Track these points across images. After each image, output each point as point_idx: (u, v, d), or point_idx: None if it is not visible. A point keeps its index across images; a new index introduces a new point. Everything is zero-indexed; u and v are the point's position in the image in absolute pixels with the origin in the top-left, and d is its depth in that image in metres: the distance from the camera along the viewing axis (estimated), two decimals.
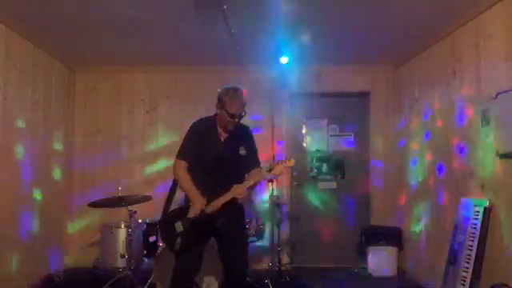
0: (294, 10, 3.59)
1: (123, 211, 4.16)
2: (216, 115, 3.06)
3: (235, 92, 2.97)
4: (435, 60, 4.25)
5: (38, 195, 4.43)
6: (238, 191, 2.88)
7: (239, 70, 5.12)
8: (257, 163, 3.12)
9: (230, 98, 2.93)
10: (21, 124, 4.09)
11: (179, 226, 2.91)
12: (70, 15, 3.71)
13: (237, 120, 2.97)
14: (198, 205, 2.87)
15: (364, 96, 5.50)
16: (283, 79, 5.28)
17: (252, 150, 3.13)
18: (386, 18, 3.78)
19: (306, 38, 4.24)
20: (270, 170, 2.89)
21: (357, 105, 5.56)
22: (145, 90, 5.43)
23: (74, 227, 5.24)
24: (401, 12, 3.63)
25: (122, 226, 4.22)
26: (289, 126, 5.46)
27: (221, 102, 2.96)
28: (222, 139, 3.06)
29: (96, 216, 4.98)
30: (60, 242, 4.95)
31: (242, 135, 3.11)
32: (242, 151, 3.04)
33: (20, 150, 4.08)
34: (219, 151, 3.02)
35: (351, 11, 3.65)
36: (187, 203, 2.98)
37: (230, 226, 2.97)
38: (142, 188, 4.99)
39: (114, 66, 5.33)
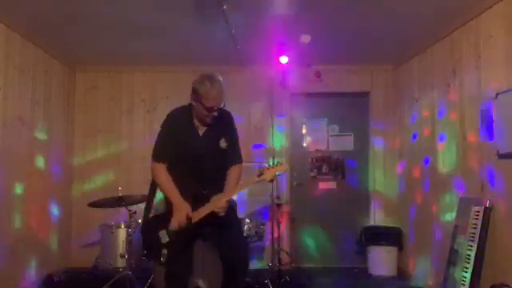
0: (294, 10, 3.59)
1: (123, 211, 4.16)
2: (192, 105, 2.72)
3: (212, 82, 2.60)
4: (435, 60, 4.24)
5: (37, 195, 4.42)
6: (218, 205, 2.57)
7: (239, 70, 5.12)
8: (237, 159, 2.80)
9: (205, 90, 2.58)
10: (21, 124, 4.09)
11: (164, 236, 2.64)
12: (70, 15, 3.71)
13: (214, 114, 2.64)
14: (182, 214, 2.59)
15: (364, 96, 5.50)
16: (283, 79, 5.28)
17: (232, 143, 2.78)
18: (385, 18, 3.78)
19: (305, 38, 4.24)
20: (260, 175, 2.59)
21: (357, 105, 5.56)
22: (145, 90, 5.43)
23: (73, 227, 5.24)
24: (401, 12, 3.63)
25: (122, 226, 4.22)
26: (289, 126, 5.47)
27: (195, 94, 2.63)
28: (200, 133, 2.74)
29: (96, 216, 4.97)
30: (60, 242, 4.95)
31: (222, 124, 2.75)
32: (223, 144, 2.72)
33: (20, 150, 4.08)
34: (197, 147, 2.70)
35: (351, 11, 3.65)
36: (169, 208, 2.70)
37: (221, 229, 2.69)
38: (142, 188, 4.96)
39: (113, 65, 5.33)
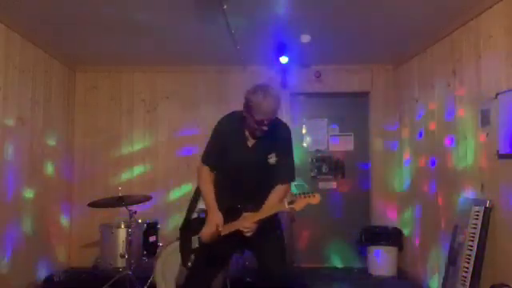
0: (294, 10, 3.59)
1: (123, 211, 4.17)
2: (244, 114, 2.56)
3: (265, 94, 2.43)
4: (435, 60, 4.24)
5: (37, 196, 4.43)
6: (245, 224, 2.44)
7: (239, 70, 5.12)
8: (284, 178, 2.60)
9: (256, 101, 2.40)
10: (21, 124, 4.09)
11: (195, 242, 2.63)
12: (70, 15, 3.71)
13: (264, 128, 2.47)
14: (213, 225, 2.51)
15: (364, 96, 5.50)
16: (283, 79, 5.28)
17: (283, 159, 2.59)
18: (386, 17, 3.78)
19: (305, 38, 4.24)
20: (290, 203, 2.44)
21: (357, 105, 5.56)
22: (145, 90, 5.43)
23: (73, 227, 5.24)
24: (401, 12, 3.63)
25: (122, 226, 4.21)
26: (289, 126, 5.45)
27: (247, 105, 2.46)
28: (250, 144, 2.58)
29: (96, 216, 4.97)
30: (60, 243, 4.95)
31: (275, 137, 2.57)
32: (272, 159, 2.55)
33: (20, 151, 4.08)
34: (243, 159, 2.57)
35: (351, 11, 3.65)
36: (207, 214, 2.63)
37: (255, 241, 2.54)
38: (142, 188, 4.99)
39: (113, 65, 5.33)
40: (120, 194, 4.06)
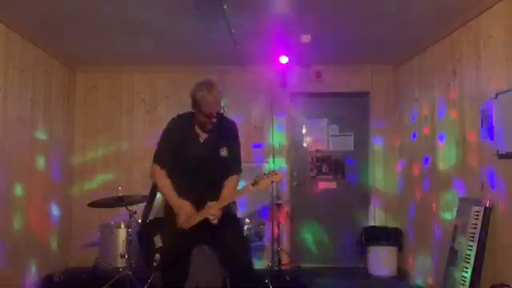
0: (294, 10, 3.59)
1: (123, 211, 4.16)
2: (193, 113, 2.76)
3: (209, 89, 2.64)
4: (435, 60, 4.24)
5: (36, 195, 4.42)
6: (210, 212, 2.60)
7: (239, 70, 5.12)
8: (235, 169, 2.79)
9: (202, 96, 2.62)
10: (21, 124, 4.09)
11: (158, 241, 2.71)
12: (69, 15, 3.71)
13: (214, 120, 2.68)
14: (186, 210, 2.63)
15: (364, 96, 5.50)
16: (283, 79, 5.28)
17: (232, 152, 2.78)
18: (385, 18, 3.78)
19: (305, 38, 4.24)
20: (254, 184, 2.58)
21: (357, 105, 5.56)
22: (145, 90, 5.43)
23: (73, 227, 5.24)
24: (401, 12, 3.63)
25: (122, 226, 4.22)
26: (289, 126, 5.46)
27: (194, 101, 2.68)
28: (201, 140, 2.76)
29: (96, 216, 4.97)
30: (60, 243, 4.94)
31: (225, 133, 2.79)
32: (224, 152, 2.73)
33: (20, 151, 4.08)
34: (198, 154, 2.73)
35: (351, 11, 3.65)
36: (167, 212, 2.75)
37: (218, 233, 2.69)
38: (142, 188, 4.97)
39: (113, 65, 5.33)
40: (120, 194, 4.06)
